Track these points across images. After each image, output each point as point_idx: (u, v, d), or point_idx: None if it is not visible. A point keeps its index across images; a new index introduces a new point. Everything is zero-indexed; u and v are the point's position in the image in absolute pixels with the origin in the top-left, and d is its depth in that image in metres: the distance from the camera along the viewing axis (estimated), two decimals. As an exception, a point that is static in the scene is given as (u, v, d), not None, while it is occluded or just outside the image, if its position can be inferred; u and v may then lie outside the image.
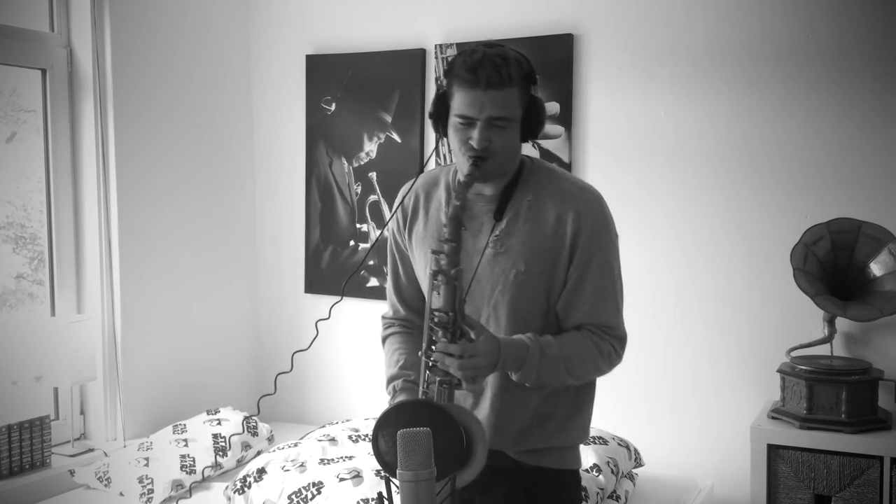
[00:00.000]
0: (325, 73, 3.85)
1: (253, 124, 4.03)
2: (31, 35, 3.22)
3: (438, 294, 1.79)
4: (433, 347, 1.78)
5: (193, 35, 3.71)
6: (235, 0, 3.91)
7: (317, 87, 3.87)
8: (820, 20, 3.10)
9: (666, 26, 3.31)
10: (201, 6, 3.74)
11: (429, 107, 1.91)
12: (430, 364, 1.79)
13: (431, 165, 3.48)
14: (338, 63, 3.82)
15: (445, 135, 1.90)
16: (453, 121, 1.86)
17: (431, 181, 2.04)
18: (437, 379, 1.77)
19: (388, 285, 2.13)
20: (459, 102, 1.83)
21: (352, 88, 3.80)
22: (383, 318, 2.15)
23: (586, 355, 1.88)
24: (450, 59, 2.89)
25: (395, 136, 3.73)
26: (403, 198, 2.05)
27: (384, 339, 2.12)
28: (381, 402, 2.06)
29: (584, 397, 2.00)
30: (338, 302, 2.11)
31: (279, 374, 2.22)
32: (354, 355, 3.85)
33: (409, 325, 2.10)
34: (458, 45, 3.56)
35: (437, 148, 3.44)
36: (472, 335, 1.78)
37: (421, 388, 1.83)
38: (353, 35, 3.81)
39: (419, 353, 1.84)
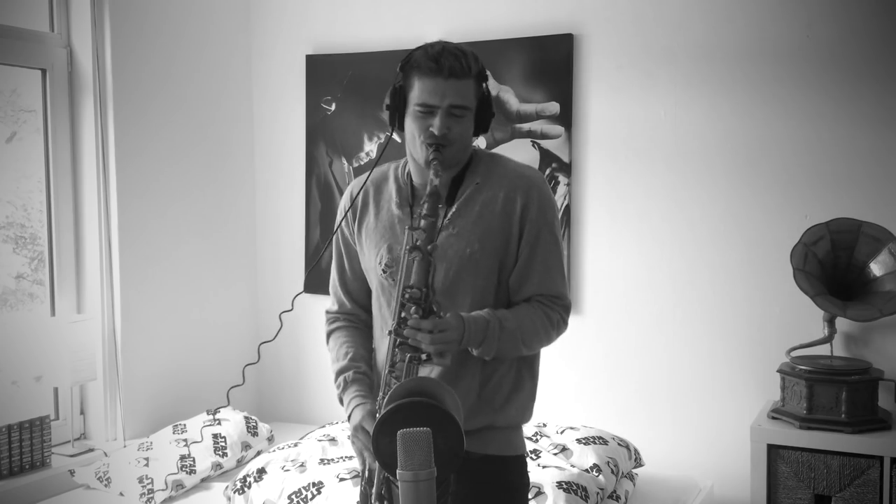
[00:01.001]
0: (325, 73, 3.85)
1: (253, 124, 4.03)
2: (31, 35, 3.22)
3: (391, 279, 1.88)
4: (402, 324, 1.82)
5: (194, 35, 3.71)
6: (236, 0, 3.92)
7: (317, 87, 3.87)
8: (819, 20, 3.10)
9: (665, 27, 3.31)
10: (202, 6, 3.73)
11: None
12: (400, 341, 1.83)
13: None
14: (338, 63, 3.82)
15: (401, 127, 1.99)
16: (413, 110, 1.93)
17: (381, 176, 2.13)
18: (408, 355, 1.82)
19: (334, 279, 2.17)
20: (420, 91, 1.90)
21: (352, 88, 3.80)
22: (327, 312, 2.19)
23: (539, 325, 1.97)
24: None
25: (395, 136, 3.71)
26: (355, 193, 2.12)
27: (329, 334, 2.16)
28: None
29: (524, 376, 2.06)
30: (299, 294, 2.15)
31: (246, 365, 2.24)
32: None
33: (354, 318, 2.15)
34: (458, 45, 3.56)
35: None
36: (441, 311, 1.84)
37: (386, 366, 1.86)
38: (353, 35, 3.81)
39: (388, 330, 1.88)
